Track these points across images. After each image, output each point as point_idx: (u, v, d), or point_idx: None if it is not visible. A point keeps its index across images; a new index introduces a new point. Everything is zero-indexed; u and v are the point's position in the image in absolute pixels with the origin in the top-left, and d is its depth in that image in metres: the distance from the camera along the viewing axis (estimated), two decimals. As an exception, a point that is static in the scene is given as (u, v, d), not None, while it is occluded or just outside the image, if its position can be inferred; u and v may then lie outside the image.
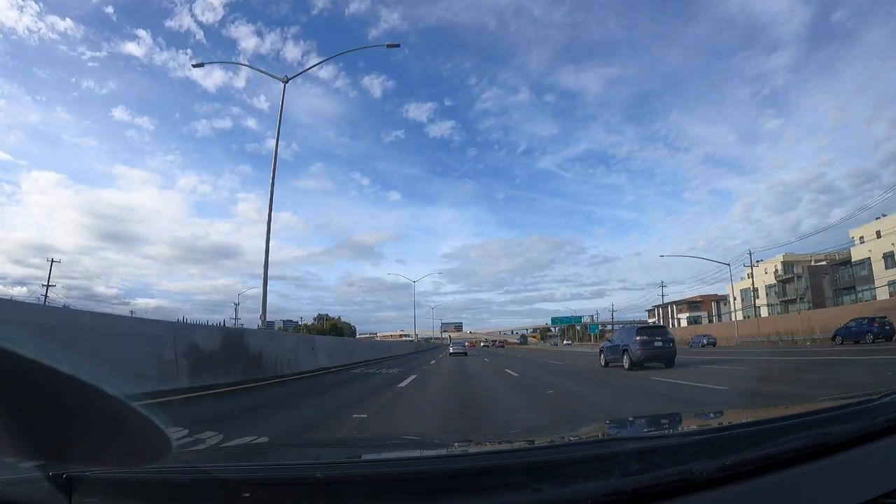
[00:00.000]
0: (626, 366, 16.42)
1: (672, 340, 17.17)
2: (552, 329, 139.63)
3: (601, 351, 20.00)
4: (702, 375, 12.62)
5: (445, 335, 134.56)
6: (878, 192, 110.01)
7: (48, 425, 0.76)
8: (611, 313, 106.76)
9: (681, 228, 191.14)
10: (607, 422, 2.21)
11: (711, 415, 2.03)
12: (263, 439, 4.52)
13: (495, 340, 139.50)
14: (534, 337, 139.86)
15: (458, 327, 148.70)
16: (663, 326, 18.82)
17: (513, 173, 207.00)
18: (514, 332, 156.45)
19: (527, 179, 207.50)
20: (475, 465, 1.13)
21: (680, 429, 1.73)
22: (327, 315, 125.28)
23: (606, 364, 18.43)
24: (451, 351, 42.17)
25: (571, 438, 1.74)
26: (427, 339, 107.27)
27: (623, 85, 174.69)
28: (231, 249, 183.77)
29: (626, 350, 16.74)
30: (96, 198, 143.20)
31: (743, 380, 11.48)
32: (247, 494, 0.91)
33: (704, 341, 51.39)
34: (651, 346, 16.34)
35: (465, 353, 40.45)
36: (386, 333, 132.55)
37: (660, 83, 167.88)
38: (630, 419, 2.14)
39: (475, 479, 1.01)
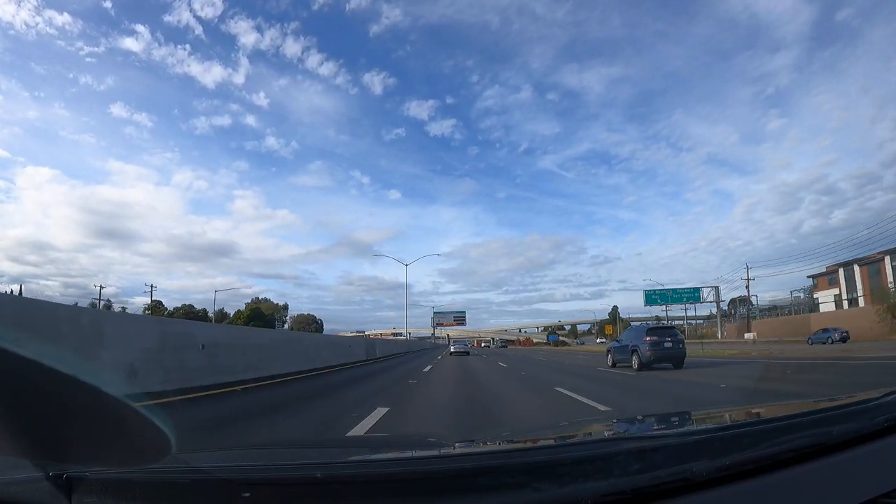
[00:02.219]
0: (636, 366, 16.30)
1: (682, 342, 17.04)
2: (565, 327, 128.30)
3: (608, 351, 19.84)
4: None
5: (441, 332, 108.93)
6: (879, 194, 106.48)
7: (48, 425, 0.77)
8: (745, 284, 62.13)
9: (682, 229, 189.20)
10: (607, 421, 2.20)
11: (711, 414, 2.02)
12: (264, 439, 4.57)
13: (500, 339, 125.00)
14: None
15: (460, 319, 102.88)
16: (673, 327, 18.74)
17: (514, 173, 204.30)
18: (522, 331, 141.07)
19: (528, 179, 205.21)
20: (475, 465, 1.13)
21: (680, 428, 1.72)
22: (267, 299, 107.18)
23: (614, 364, 18.28)
24: (452, 350, 38.94)
25: (572, 438, 1.74)
26: (421, 339, 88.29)
27: (625, 84, 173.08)
28: (228, 247, 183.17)
29: (636, 350, 16.60)
30: (91, 194, 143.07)
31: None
32: (247, 494, 0.92)
33: (836, 336, 37.09)
34: (661, 346, 16.16)
35: (468, 353, 37.15)
36: (375, 332, 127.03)
37: (662, 82, 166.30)
38: (630, 419, 2.14)
39: (475, 478, 1.01)
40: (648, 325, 19.68)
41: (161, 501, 0.95)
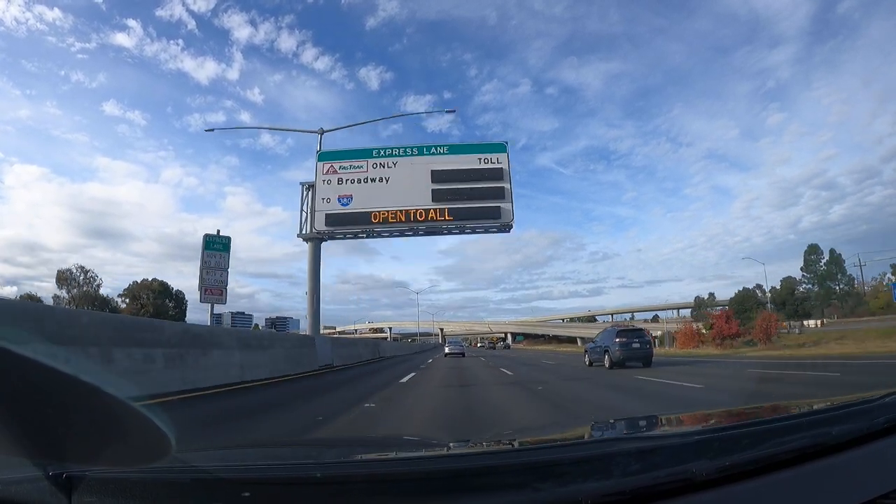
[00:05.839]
0: (607, 365, 17.03)
1: (649, 342, 18.18)
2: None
3: (586, 352, 20.70)
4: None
5: (430, 324, 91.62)
6: (879, 188, 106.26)
7: (48, 425, 0.75)
8: None
9: (680, 225, 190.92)
10: (606, 422, 2.22)
11: (711, 415, 2.05)
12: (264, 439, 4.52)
13: (497, 338, 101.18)
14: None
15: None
16: (641, 329, 19.51)
17: (512, 169, 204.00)
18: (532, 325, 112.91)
19: (526, 176, 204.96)
20: (475, 465, 1.12)
21: (679, 429, 1.74)
22: None
23: (590, 364, 19.02)
24: (447, 351, 32.44)
25: (571, 438, 1.75)
26: (408, 337, 77.53)
27: (624, 80, 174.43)
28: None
29: (608, 351, 17.43)
30: (81, 192, 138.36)
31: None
32: (247, 494, 0.91)
33: None
34: (630, 347, 17.15)
35: (463, 354, 30.66)
36: (349, 326, 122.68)
37: (661, 78, 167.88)
38: (629, 419, 2.16)
39: (475, 478, 1.01)
40: (618, 328, 20.44)
41: (161, 501, 0.94)
